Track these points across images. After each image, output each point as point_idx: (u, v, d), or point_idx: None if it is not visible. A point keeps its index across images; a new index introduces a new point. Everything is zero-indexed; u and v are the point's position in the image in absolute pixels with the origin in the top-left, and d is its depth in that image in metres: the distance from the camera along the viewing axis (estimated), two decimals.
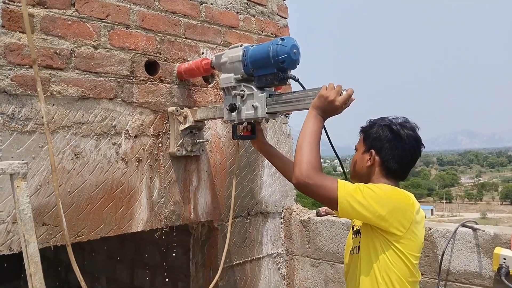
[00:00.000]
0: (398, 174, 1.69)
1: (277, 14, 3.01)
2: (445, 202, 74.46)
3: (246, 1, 2.79)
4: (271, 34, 2.95)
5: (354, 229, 1.73)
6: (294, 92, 1.86)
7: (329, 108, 1.65)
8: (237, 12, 2.73)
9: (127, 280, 4.40)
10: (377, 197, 1.50)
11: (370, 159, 1.68)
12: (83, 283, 1.55)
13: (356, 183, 1.56)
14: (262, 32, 2.89)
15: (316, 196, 1.55)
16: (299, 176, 1.52)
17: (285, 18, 3.08)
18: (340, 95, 1.65)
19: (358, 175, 1.74)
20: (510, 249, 2.05)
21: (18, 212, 1.13)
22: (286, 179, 2.10)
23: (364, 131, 1.75)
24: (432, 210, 59.80)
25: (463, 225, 2.27)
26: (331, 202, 1.52)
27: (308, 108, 1.74)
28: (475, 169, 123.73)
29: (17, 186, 1.10)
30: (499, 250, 2.07)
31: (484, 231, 2.17)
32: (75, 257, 1.65)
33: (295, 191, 3.11)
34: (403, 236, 1.52)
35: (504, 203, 71.87)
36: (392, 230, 1.52)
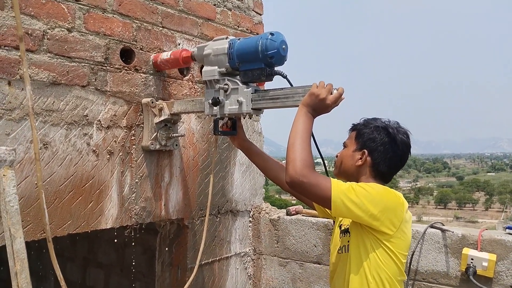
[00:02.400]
0: (386, 177, 1.70)
1: (252, 10, 2.96)
2: None
3: None
4: (247, 29, 2.90)
5: (342, 228, 1.72)
6: (282, 88, 1.82)
7: (319, 106, 1.64)
8: (215, 5, 2.66)
9: (78, 280, 4.17)
10: (370, 196, 1.50)
11: (361, 158, 1.68)
12: (63, 283, 1.43)
13: (349, 182, 1.55)
14: (238, 27, 2.84)
15: (310, 195, 1.53)
16: (294, 174, 1.49)
17: (260, 15, 3.04)
18: (331, 93, 1.64)
19: (345, 173, 1.74)
20: (477, 249, 2.14)
21: (3, 204, 1.01)
22: (267, 177, 2.07)
23: (357, 129, 1.74)
24: None
25: (432, 226, 2.35)
26: (325, 201, 1.50)
27: (296, 106, 1.72)
28: (412, 174, 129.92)
29: (3, 175, 0.99)
30: (467, 251, 2.15)
31: (452, 232, 2.25)
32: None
33: (263, 189, 3.09)
34: (394, 235, 1.54)
35: (438, 207, 76.05)
36: (383, 229, 1.53)
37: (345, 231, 1.68)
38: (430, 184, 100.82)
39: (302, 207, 2.88)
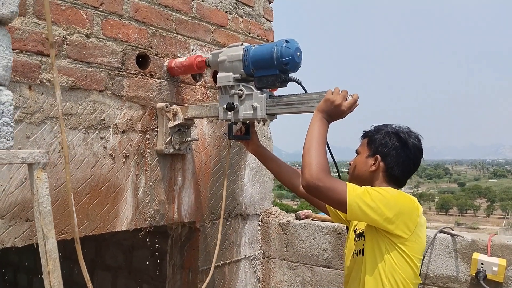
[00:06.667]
0: (400, 181, 1.73)
1: (263, 17, 3.01)
2: None
3: (235, 1, 2.77)
4: (257, 36, 2.95)
5: (357, 232, 1.75)
6: (297, 94, 1.86)
7: (334, 112, 1.67)
8: (227, 11, 2.70)
9: (85, 283, 4.19)
10: (384, 200, 1.53)
11: (374, 164, 1.71)
12: (89, 284, 1.46)
13: (364, 186, 1.58)
14: (249, 33, 2.88)
15: (326, 199, 1.56)
16: (309, 178, 1.53)
17: (270, 21, 3.09)
18: (346, 100, 1.67)
19: (359, 179, 1.76)
20: (487, 254, 2.16)
21: (37, 205, 1.04)
22: (281, 182, 2.10)
23: (369, 135, 1.78)
24: None
25: (441, 231, 2.37)
26: (341, 205, 1.53)
27: (311, 111, 1.75)
28: (414, 180, 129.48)
29: (37, 177, 1.02)
30: (477, 256, 2.17)
31: (462, 237, 2.27)
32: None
33: (272, 194, 3.12)
34: (408, 239, 1.57)
35: (439, 213, 75.74)
36: (398, 232, 1.55)
37: (360, 235, 1.71)
38: (431, 190, 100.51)
39: (311, 211, 2.90)
